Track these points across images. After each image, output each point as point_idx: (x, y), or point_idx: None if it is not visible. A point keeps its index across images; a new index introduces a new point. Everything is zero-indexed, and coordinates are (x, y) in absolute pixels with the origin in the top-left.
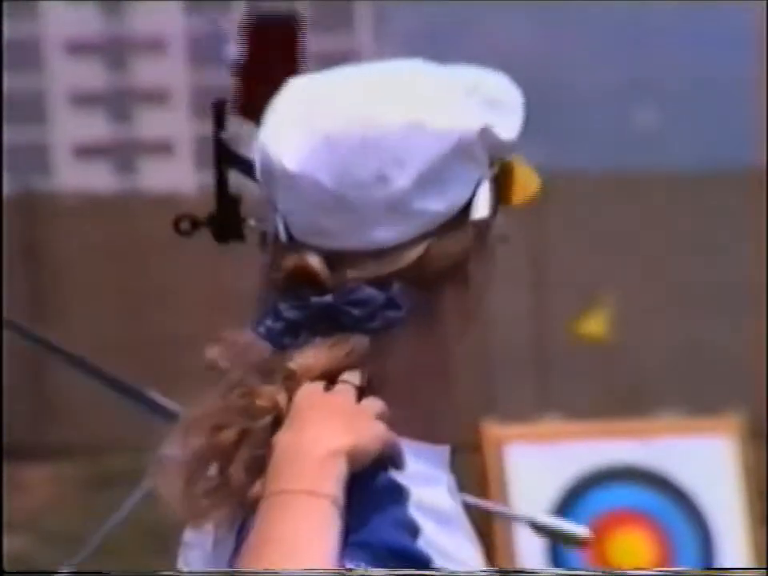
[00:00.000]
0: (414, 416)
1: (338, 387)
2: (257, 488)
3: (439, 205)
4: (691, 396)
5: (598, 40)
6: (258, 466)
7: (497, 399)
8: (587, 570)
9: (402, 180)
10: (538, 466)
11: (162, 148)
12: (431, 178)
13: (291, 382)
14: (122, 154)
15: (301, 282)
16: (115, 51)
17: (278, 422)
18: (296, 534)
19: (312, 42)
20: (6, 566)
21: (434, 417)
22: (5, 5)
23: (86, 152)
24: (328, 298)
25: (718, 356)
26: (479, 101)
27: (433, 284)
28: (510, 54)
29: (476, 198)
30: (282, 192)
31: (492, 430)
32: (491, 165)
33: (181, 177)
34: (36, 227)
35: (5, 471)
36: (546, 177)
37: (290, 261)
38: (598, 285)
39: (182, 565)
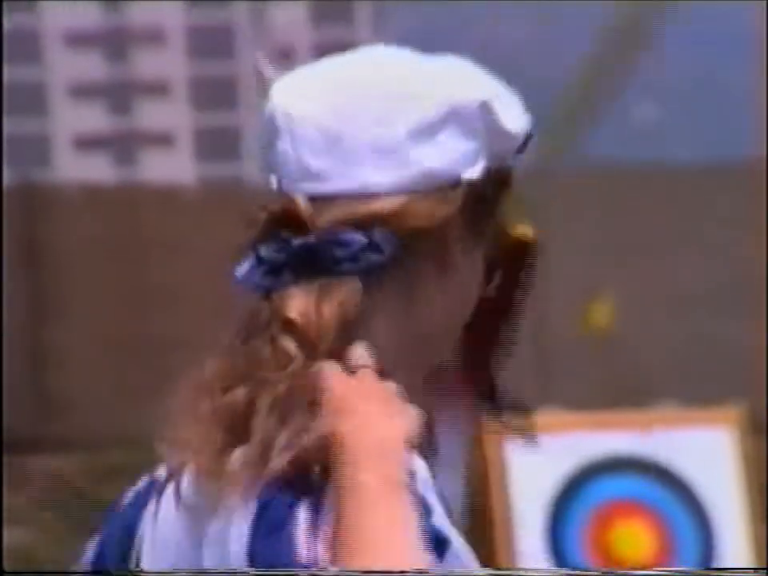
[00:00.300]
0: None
1: (361, 372)
2: (277, 461)
3: (433, 162)
4: (691, 387)
5: (596, 35)
6: (282, 425)
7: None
8: (587, 570)
9: (398, 126)
10: (538, 457)
11: (162, 140)
12: (427, 133)
13: (293, 332)
14: (122, 145)
15: (284, 224)
16: (115, 43)
17: (295, 374)
18: (378, 523)
19: (311, 38)
20: (6, 559)
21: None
22: None
23: (86, 144)
24: (310, 237)
25: (718, 348)
26: (490, 92)
27: (411, 245)
28: (509, 49)
29: (471, 169)
30: (280, 138)
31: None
32: (493, 157)
33: (181, 168)
34: (36, 218)
35: (5, 465)
36: (545, 172)
37: (276, 204)
38: (598, 278)
39: (148, 524)
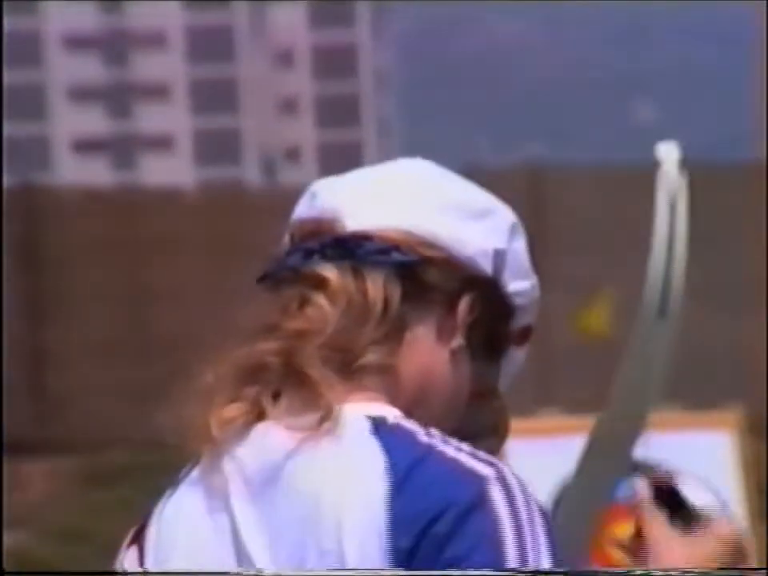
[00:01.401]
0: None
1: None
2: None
3: (457, 237)
4: (691, 391)
5: (595, 35)
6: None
7: None
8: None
9: (437, 200)
10: (538, 460)
11: (162, 143)
12: (463, 214)
13: (326, 289)
14: (122, 148)
15: (318, 233)
16: (115, 46)
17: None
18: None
19: (311, 40)
20: (5, 561)
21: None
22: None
23: (86, 147)
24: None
25: (718, 351)
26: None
27: (423, 273)
28: (508, 50)
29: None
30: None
31: None
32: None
33: (180, 172)
34: (35, 221)
35: (4, 467)
36: (545, 172)
37: (311, 224)
38: (598, 280)
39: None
